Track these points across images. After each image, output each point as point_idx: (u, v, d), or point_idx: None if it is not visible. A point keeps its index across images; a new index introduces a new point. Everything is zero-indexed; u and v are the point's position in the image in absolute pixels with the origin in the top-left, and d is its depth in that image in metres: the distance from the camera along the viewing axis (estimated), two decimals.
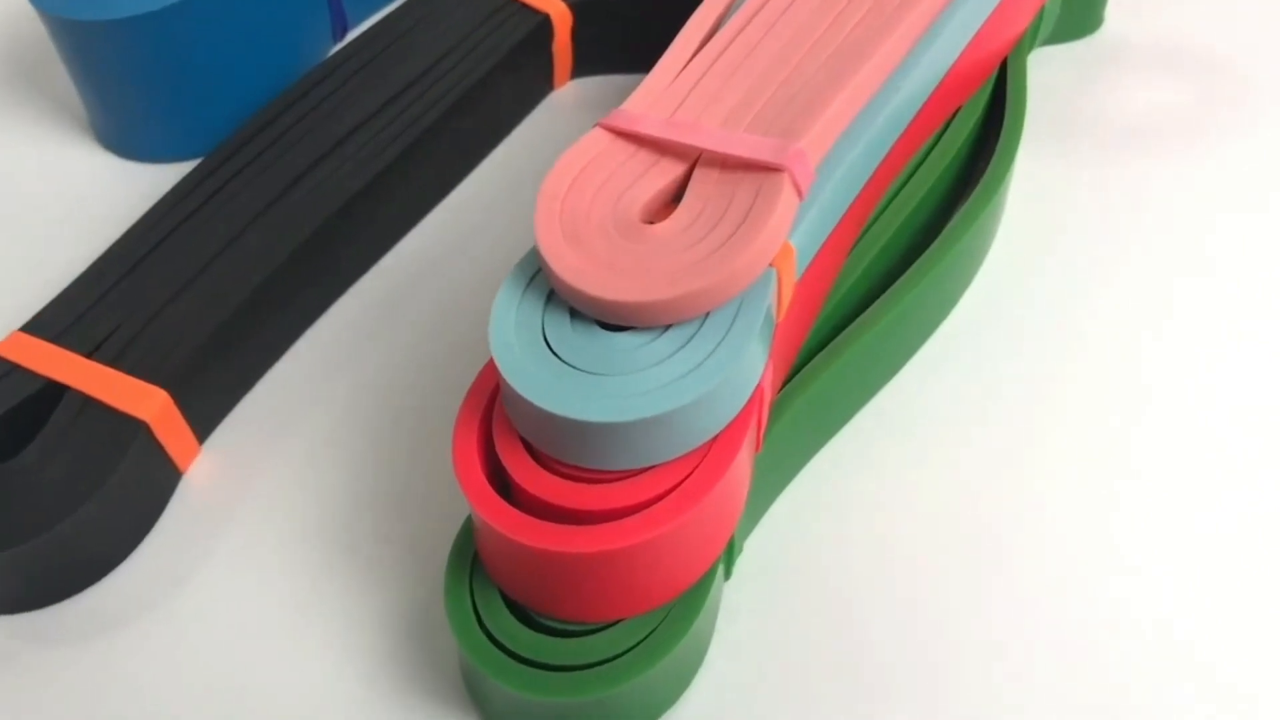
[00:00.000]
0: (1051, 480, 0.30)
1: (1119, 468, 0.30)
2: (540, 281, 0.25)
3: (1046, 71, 0.39)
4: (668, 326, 0.24)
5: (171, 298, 0.31)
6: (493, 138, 0.39)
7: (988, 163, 0.35)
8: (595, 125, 0.27)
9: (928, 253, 0.31)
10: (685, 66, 0.28)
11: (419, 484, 0.31)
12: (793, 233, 0.26)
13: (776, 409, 0.28)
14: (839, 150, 0.27)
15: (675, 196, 0.26)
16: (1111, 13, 0.41)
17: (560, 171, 0.26)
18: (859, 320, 0.30)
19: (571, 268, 0.24)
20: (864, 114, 0.28)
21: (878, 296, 0.31)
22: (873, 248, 0.31)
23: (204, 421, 0.32)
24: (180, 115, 0.38)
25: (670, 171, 0.26)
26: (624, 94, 0.41)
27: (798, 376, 0.29)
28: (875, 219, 0.32)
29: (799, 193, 0.25)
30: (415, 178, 0.36)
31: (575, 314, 0.24)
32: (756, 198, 0.25)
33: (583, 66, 0.40)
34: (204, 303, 0.31)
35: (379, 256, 0.36)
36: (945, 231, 0.32)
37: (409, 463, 0.31)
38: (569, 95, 0.40)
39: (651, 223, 0.26)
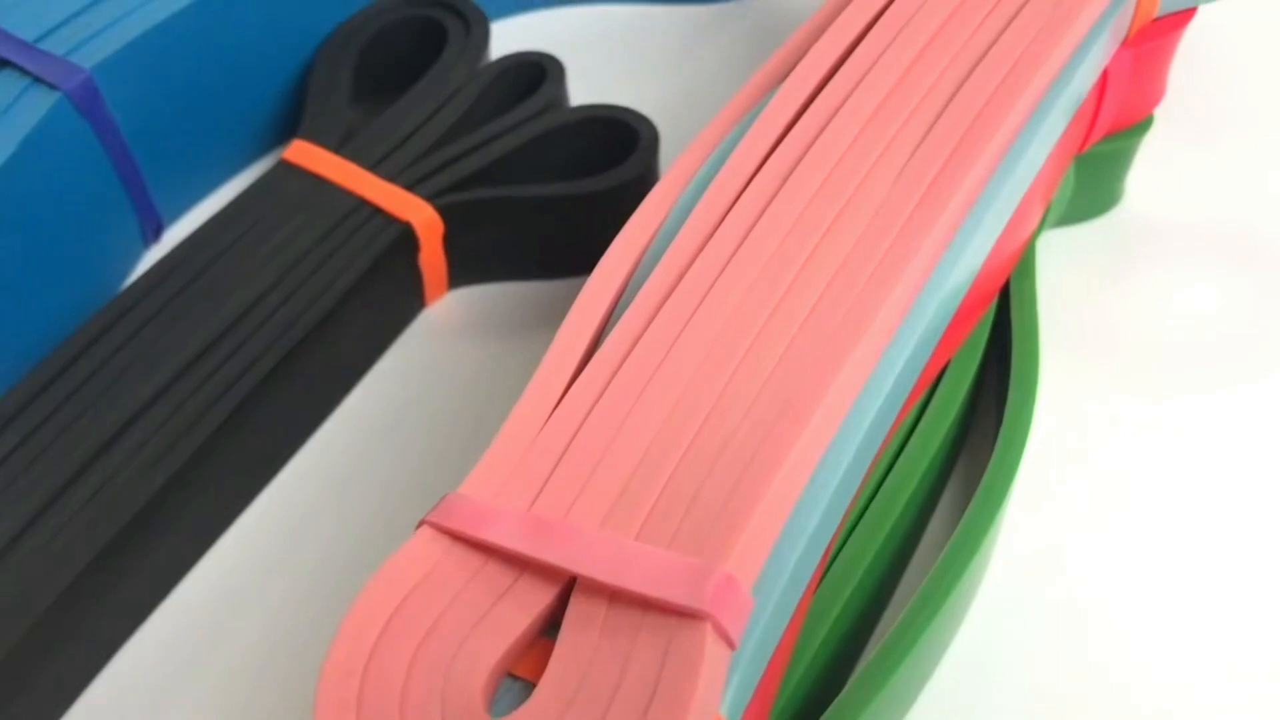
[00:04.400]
0: None
1: None
2: None
3: (1057, 265, 0.31)
4: None
5: None
6: (347, 379, 0.30)
7: (989, 429, 0.27)
8: (421, 523, 0.18)
9: (909, 615, 0.22)
10: (556, 406, 0.19)
11: None
12: (724, 698, 0.17)
13: None
14: (789, 535, 0.18)
15: (548, 626, 0.18)
16: (1134, 183, 0.32)
17: (363, 615, 0.17)
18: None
19: None
20: (830, 451, 0.19)
21: (852, 650, 0.23)
22: (842, 591, 0.23)
23: None
24: None
25: (535, 600, 0.17)
26: (515, 306, 0.32)
27: None
28: (843, 543, 0.23)
29: (729, 643, 0.16)
30: (237, 454, 0.27)
31: None
32: (664, 664, 0.16)
33: (462, 275, 0.31)
34: None
35: (182, 574, 0.27)
36: (933, 576, 0.23)
37: None
38: (446, 312, 0.31)
39: (512, 674, 0.17)
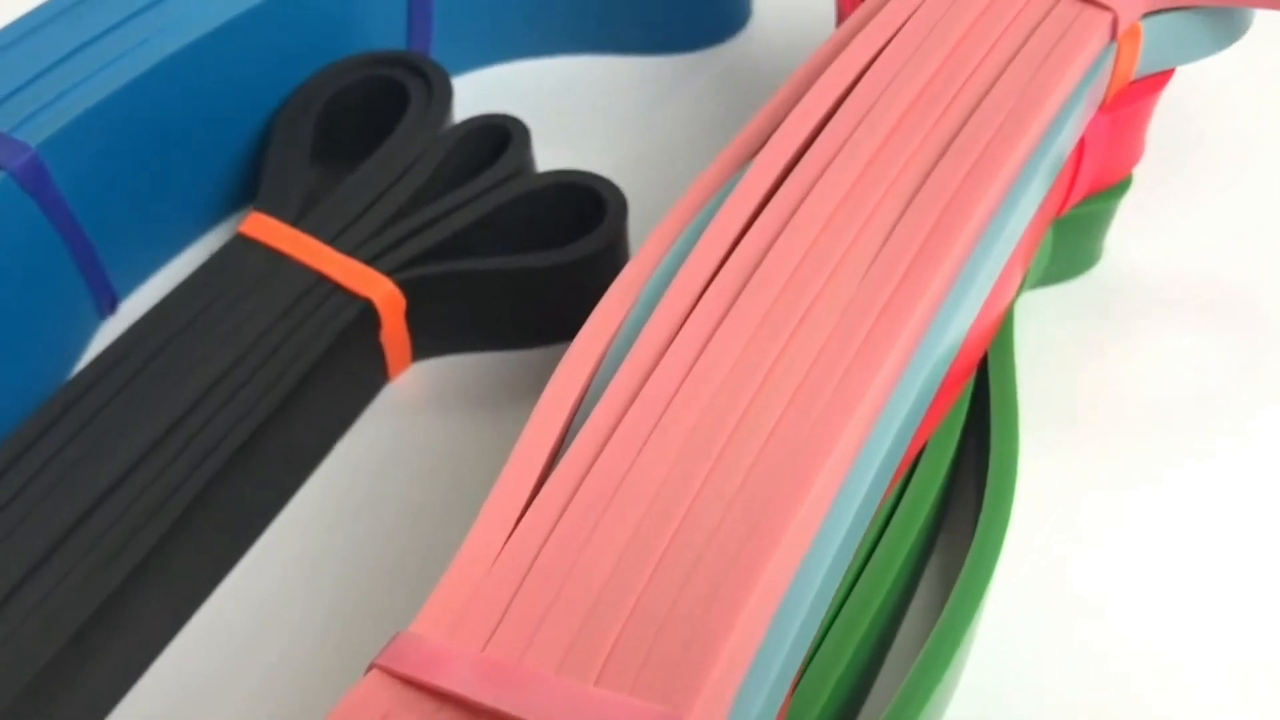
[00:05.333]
0: None
1: None
2: None
3: (1035, 326, 0.30)
4: None
5: None
6: (309, 460, 0.29)
7: (969, 504, 0.26)
8: (371, 666, 0.17)
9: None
10: (511, 534, 0.18)
11: None
12: None
13: None
14: (761, 665, 0.18)
15: None
16: (1112, 241, 0.31)
17: None
18: None
19: None
20: (804, 567, 0.19)
21: None
22: (819, 695, 0.22)
23: None
24: None
25: None
26: (481, 376, 0.31)
27: None
28: (819, 642, 0.23)
29: None
30: (196, 546, 0.26)
31: None
32: None
33: (426, 348, 0.30)
34: None
35: (135, 677, 0.26)
36: (915, 674, 0.22)
37: None
38: (410, 385, 0.30)
39: None
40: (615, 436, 0.19)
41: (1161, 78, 0.28)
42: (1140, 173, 0.30)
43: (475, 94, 0.36)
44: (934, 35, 0.25)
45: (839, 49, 0.26)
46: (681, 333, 0.21)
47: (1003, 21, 0.25)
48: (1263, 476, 0.28)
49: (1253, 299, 0.31)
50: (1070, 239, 0.30)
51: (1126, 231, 0.31)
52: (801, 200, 0.23)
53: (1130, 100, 0.27)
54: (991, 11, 0.25)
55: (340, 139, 0.32)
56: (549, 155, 0.32)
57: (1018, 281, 0.27)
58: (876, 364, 0.20)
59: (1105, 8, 0.25)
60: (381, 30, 0.34)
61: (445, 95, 0.32)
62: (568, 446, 0.19)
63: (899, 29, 0.25)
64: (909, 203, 0.23)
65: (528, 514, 0.18)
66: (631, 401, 0.19)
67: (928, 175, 0.23)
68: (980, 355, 0.26)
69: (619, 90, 0.37)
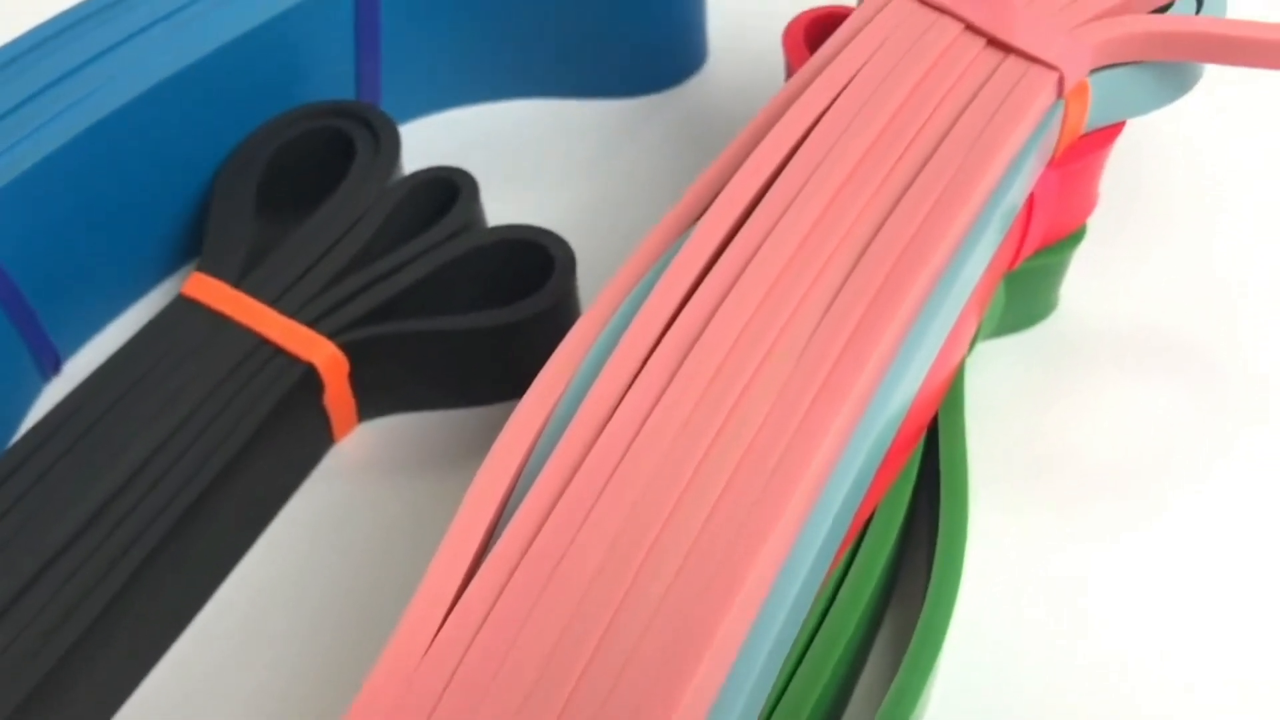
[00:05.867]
0: None
1: None
2: None
3: (990, 378, 0.30)
4: None
5: None
6: (253, 527, 0.29)
7: (921, 564, 0.26)
8: None
9: None
10: (445, 621, 0.18)
11: None
12: None
13: None
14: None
15: None
16: (1068, 290, 0.31)
17: None
18: None
19: None
20: (747, 646, 0.18)
21: None
22: None
23: None
24: None
25: None
26: (428, 435, 0.30)
27: None
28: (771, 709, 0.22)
29: None
30: (138, 620, 0.26)
31: None
32: None
33: (371, 408, 0.30)
34: None
35: None
36: None
37: None
38: (356, 446, 0.30)
39: None
40: (549, 523, 0.18)
41: (1112, 131, 0.27)
42: (1095, 222, 0.29)
43: (426, 139, 0.35)
44: (877, 97, 0.24)
45: (784, 108, 0.25)
46: (620, 409, 0.20)
47: (947, 82, 0.24)
48: (1221, 527, 0.28)
49: (1207, 348, 0.31)
50: (1023, 292, 0.29)
51: (1081, 280, 0.31)
52: (745, 265, 0.22)
53: (1080, 155, 0.27)
54: (935, 72, 0.25)
55: (287, 192, 0.32)
56: (500, 202, 0.31)
57: (967, 341, 0.27)
58: (820, 435, 0.20)
59: (1051, 66, 0.25)
60: (329, 79, 0.33)
61: (392, 147, 0.31)
62: (503, 527, 0.19)
63: (844, 87, 0.25)
64: (853, 266, 0.22)
65: (459, 604, 0.18)
66: (568, 482, 0.19)
67: (872, 238, 0.23)
68: (930, 417, 0.26)
69: (573, 134, 0.36)
